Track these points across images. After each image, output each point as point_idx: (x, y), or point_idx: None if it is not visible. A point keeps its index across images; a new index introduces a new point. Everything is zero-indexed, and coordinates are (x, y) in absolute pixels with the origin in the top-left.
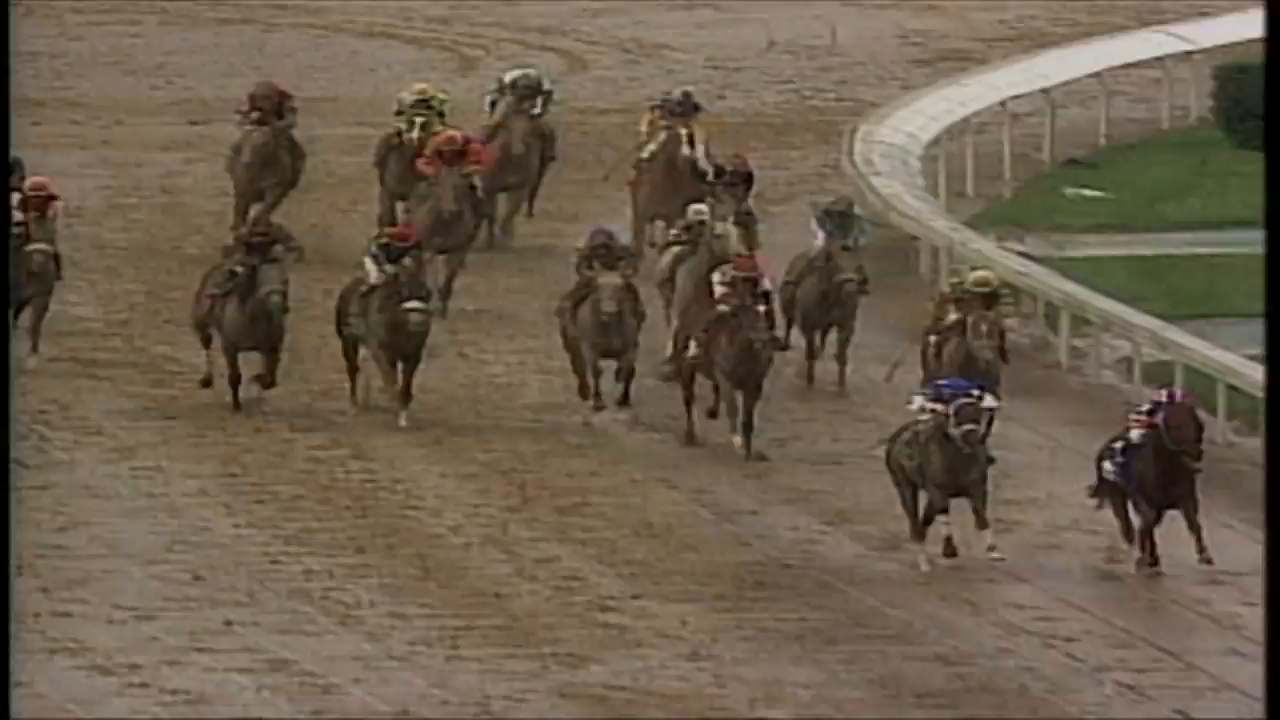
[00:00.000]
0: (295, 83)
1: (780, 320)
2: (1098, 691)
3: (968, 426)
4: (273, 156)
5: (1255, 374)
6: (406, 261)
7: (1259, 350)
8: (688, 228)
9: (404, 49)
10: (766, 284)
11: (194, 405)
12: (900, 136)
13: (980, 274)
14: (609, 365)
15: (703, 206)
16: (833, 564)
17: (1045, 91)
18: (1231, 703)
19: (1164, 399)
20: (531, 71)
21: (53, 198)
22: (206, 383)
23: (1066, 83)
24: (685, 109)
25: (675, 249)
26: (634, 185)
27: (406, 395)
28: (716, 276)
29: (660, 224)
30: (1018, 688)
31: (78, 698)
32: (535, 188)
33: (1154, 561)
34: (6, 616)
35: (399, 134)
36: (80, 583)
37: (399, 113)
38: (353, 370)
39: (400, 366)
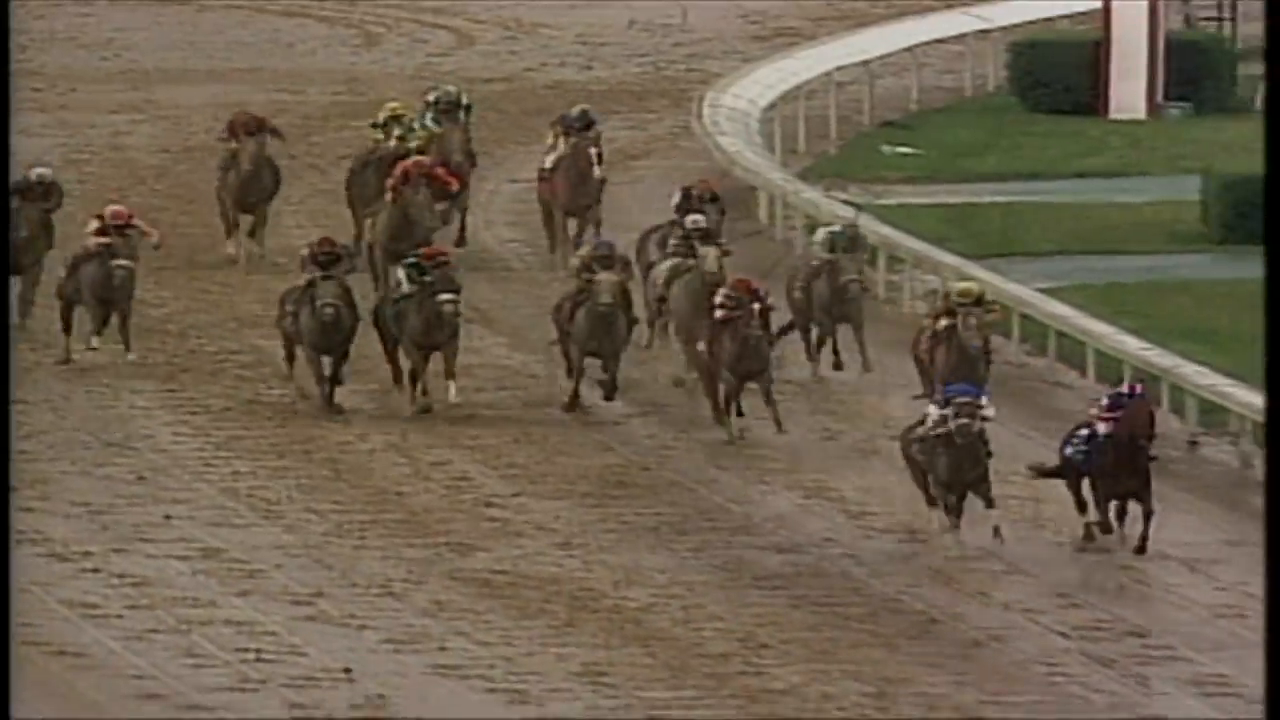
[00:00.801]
0: (225, 55)
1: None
2: (911, 575)
3: (963, 421)
4: (256, 175)
5: (1044, 304)
6: (437, 272)
7: (1049, 284)
8: (685, 237)
9: (316, 26)
10: (764, 293)
11: (138, 331)
12: (742, 102)
13: (964, 285)
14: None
15: (700, 217)
16: (683, 466)
17: (865, 64)
18: (1022, 581)
19: (1126, 394)
20: (451, 88)
21: (131, 221)
22: (291, 381)
23: (883, 56)
24: (585, 123)
25: (670, 263)
26: (546, 189)
27: (450, 371)
28: (719, 297)
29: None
30: (841, 572)
31: (39, 580)
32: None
33: (1107, 529)
34: (7, 621)
35: (374, 150)
36: (41, 482)
37: (374, 125)
38: (394, 364)
39: (442, 353)
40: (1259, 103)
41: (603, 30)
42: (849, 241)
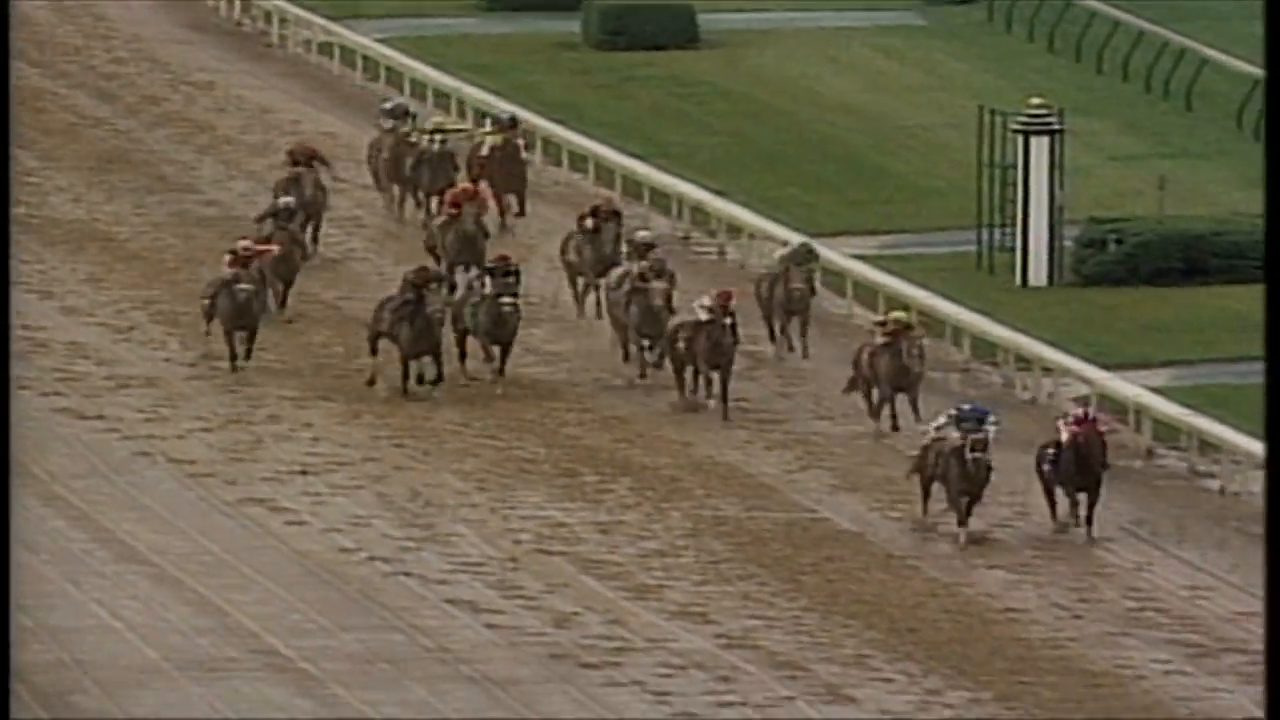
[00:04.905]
0: None
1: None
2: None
3: (977, 455)
4: (313, 195)
5: (388, 53)
6: (506, 278)
7: (385, 35)
8: (639, 248)
9: None
10: (733, 306)
11: None
12: None
13: (897, 314)
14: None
15: (647, 233)
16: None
17: None
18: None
19: (1083, 417)
20: (402, 100)
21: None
22: (371, 382)
23: None
24: (514, 123)
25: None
26: (483, 173)
27: (502, 368)
28: (704, 301)
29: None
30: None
31: None
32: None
33: (1072, 523)
34: (7, 622)
35: (424, 151)
36: None
37: (424, 132)
38: (462, 354)
39: (499, 350)
40: None
41: None
42: (802, 256)
